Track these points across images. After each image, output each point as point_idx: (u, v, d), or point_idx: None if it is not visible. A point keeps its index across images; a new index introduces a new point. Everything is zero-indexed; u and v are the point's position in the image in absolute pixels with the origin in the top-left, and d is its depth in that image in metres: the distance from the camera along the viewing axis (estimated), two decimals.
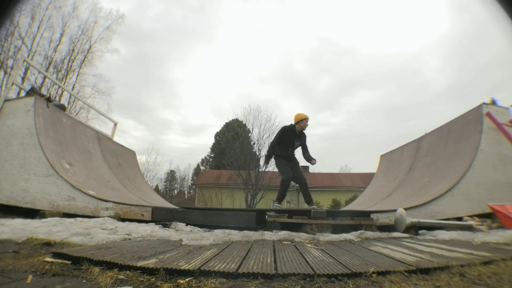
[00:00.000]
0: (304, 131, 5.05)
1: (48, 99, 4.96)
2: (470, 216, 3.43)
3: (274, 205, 5.04)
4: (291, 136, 4.95)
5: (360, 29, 53.87)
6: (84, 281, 1.22)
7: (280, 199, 5.05)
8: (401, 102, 51.65)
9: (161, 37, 50.96)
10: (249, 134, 25.32)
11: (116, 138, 7.14)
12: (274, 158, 5.04)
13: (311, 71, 52.90)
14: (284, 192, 4.97)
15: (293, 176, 4.96)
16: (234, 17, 54.89)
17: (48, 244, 2.00)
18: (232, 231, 2.98)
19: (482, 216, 3.43)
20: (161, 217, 3.48)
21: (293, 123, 4.99)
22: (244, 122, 25.55)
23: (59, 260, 1.52)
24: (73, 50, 21.47)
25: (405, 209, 3.33)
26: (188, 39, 55.21)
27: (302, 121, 4.97)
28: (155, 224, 3.28)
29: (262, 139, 23.08)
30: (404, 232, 3.10)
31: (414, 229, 3.15)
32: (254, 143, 24.36)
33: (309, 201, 5.02)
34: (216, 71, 59.67)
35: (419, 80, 46.83)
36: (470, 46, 42.41)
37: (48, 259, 1.54)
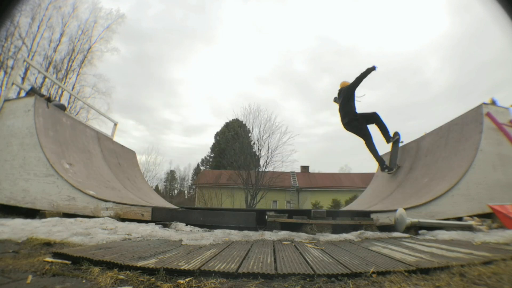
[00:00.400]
0: None
1: (48, 99, 4.96)
2: (470, 216, 3.42)
3: (386, 172, 5.50)
4: None
5: (360, 29, 53.92)
6: (84, 281, 1.22)
7: (382, 164, 5.53)
8: (401, 102, 51.70)
9: (161, 37, 50.99)
10: (249, 134, 25.35)
11: (116, 138, 7.15)
12: (358, 122, 5.30)
13: (311, 71, 52.98)
14: (376, 154, 5.41)
15: (370, 123, 5.39)
16: (234, 17, 54.94)
17: (48, 244, 2.00)
18: (232, 231, 2.98)
19: (482, 216, 3.43)
20: (161, 217, 3.48)
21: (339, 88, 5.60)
22: (244, 122, 25.60)
23: (59, 260, 1.52)
24: (73, 50, 21.50)
25: (405, 209, 3.33)
26: (188, 39, 55.24)
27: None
28: (155, 224, 3.28)
29: (262, 139, 23.11)
30: (404, 232, 3.10)
31: (414, 229, 3.15)
32: (254, 143, 24.38)
33: (387, 138, 5.42)
34: (216, 71, 59.79)
35: (419, 80, 46.89)
36: (470, 46, 42.42)
37: (48, 259, 1.54)
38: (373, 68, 5.08)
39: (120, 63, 44.53)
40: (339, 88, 5.60)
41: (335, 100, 5.73)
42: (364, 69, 5.13)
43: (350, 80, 5.35)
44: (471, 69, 45.21)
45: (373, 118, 5.36)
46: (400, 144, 5.52)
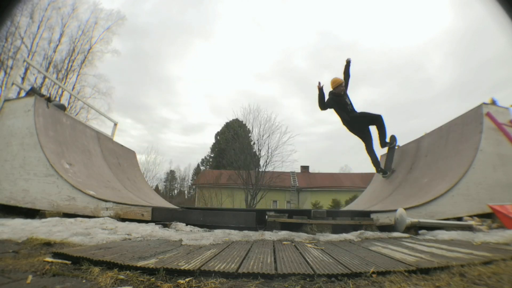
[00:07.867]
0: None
1: (48, 99, 4.97)
2: (470, 216, 3.42)
3: (380, 175, 5.57)
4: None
5: (362, 24, 53.38)
6: (84, 281, 1.22)
7: (377, 167, 5.56)
8: (402, 100, 51.14)
9: (158, 32, 50.01)
10: (249, 134, 25.32)
11: (115, 138, 7.14)
12: (362, 122, 5.39)
13: (312, 67, 52.32)
14: (374, 156, 5.46)
15: (372, 124, 5.48)
16: (232, 12, 54.29)
17: (48, 244, 2.00)
18: (232, 231, 2.98)
19: (482, 216, 3.42)
20: (161, 217, 3.48)
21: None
22: (244, 122, 25.55)
23: (59, 260, 1.52)
24: (73, 50, 21.50)
25: (405, 209, 3.33)
26: (185, 34, 54.47)
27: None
28: (155, 224, 3.28)
29: (262, 139, 23.08)
30: (404, 232, 3.10)
31: (414, 229, 3.15)
32: (254, 143, 24.35)
33: (383, 143, 5.32)
34: (214, 68, 59.11)
35: (421, 77, 46.36)
36: (473, 42, 41.95)
37: (48, 259, 1.54)
38: (349, 61, 5.28)
39: (117, 60, 43.99)
40: (334, 86, 5.19)
41: (328, 102, 5.22)
42: (345, 64, 5.31)
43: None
44: (473, 66, 44.69)
45: (377, 120, 5.28)
46: (396, 148, 5.54)
